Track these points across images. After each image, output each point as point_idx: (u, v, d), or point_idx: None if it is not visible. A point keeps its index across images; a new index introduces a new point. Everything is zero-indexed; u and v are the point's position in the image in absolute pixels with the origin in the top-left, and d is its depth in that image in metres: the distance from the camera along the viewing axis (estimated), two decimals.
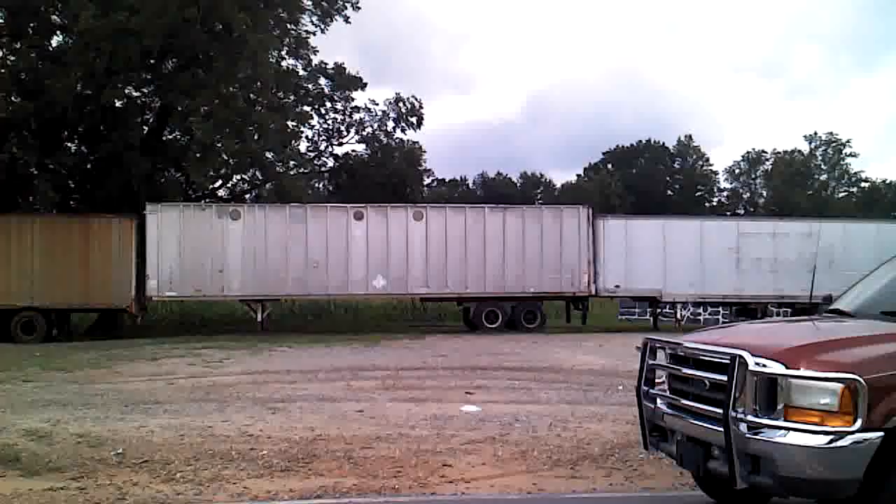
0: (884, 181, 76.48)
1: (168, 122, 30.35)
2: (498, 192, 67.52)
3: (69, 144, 29.35)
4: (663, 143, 79.47)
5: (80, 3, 25.10)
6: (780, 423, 4.68)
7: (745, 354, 4.91)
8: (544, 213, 26.78)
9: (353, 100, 36.84)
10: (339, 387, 12.58)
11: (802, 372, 4.69)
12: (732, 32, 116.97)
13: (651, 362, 5.97)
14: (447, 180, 71.68)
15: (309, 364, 15.85)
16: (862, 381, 4.47)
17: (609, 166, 79.08)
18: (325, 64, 34.98)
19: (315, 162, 38.60)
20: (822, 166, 78.15)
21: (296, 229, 24.46)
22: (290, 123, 32.73)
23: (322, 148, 38.22)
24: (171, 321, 30.26)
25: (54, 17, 27.75)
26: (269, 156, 32.07)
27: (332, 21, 32.38)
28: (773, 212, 61.85)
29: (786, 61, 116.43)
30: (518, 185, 77.59)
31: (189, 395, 11.75)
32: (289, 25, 31.76)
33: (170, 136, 31.34)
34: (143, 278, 23.56)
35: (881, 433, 4.49)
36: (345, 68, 35.53)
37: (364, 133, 37.83)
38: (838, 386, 4.52)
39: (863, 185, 76.64)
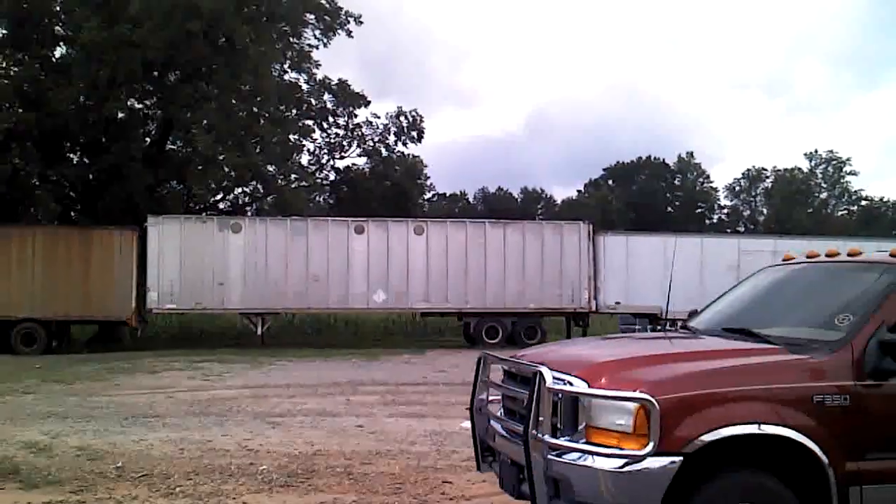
0: (881, 199, 76.83)
1: (170, 134, 30.41)
2: (498, 207, 67.58)
3: (71, 156, 29.41)
4: (663, 160, 79.63)
5: (84, 15, 25.26)
6: (581, 444, 4.40)
7: (545, 370, 4.65)
8: (545, 228, 26.80)
9: (355, 116, 36.98)
10: (339, 401, 12.57)
11: (599, 391, 4.45)
12: (735, 49, 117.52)
13: (484, 378, 5.70)
14: (447, 195, 71.83)
15: (309, 378, 15.84)
16: (654, 401, 4.18)
17: (609, 182, 79.24)
18: (329, 80, 35.11)
19: (316, 175, 38.66)
20: (823, 184, 78.29)
21: (297, 243, 24.46)
22: (291, 137, 32.84)
23: (323, 161, 38.33)
24: (171, 334, 30.22)
25: (58, 28, 27.89)
26: (271, 169, 32.15)
27: (334, 35, 32.55)
28: (773, 230, 61.86)
29: (788, 79, 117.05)
30: (518, 200, 77.67)
31: (189, 409, 11.73)
32: (291, 39, 31.94)
33: (172, 148, 31.39)
34: (144, 290, 23.55)
35: (680, 457, 4.22)
36: (348, 85, 35.65)
37: (365, 146, 37.93)
38: (633, 406, 4.25)
39: (862, 203, 76.78)
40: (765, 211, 79.82)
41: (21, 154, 26.34)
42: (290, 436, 9.58)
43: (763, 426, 4.37)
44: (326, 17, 32.00)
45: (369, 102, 36.40)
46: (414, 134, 38.18)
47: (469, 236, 25.34)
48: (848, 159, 76.86)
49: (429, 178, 54.15)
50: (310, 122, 35.12)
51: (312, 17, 31.76)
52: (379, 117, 37.98)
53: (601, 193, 74.29)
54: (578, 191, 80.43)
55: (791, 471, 4.51)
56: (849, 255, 5.71)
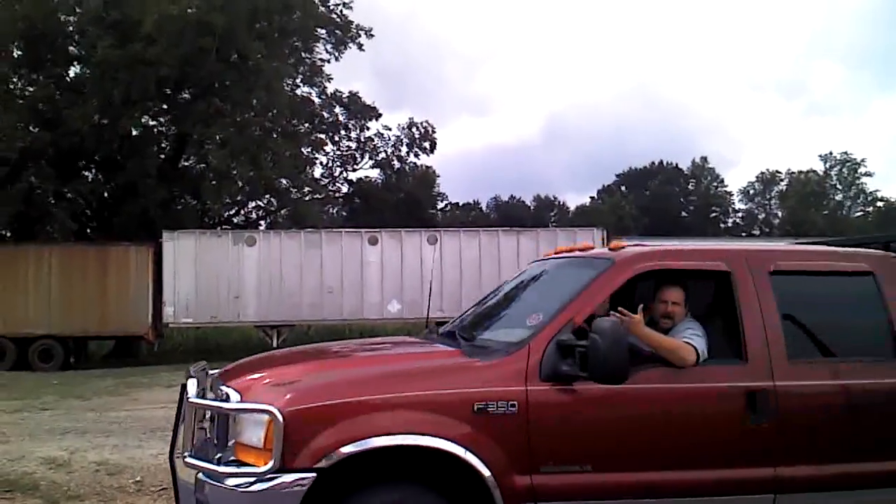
0: None
1: (184, 150, 30.62)
2: (511, 215, 67.53)
3: (86, 173, 29.63)
4: (676, 165, 79.50)
5: (97, 34, 25.47)
6: (226, 465, 4.09)
7: (190, 383, 4.44)
8: (559, 235, 26.68)
9: (367, 129, 37.12)
10: None
11: (233, 404, 4.18)
12: (750, 52, 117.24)
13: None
14: (461, 204, 71.91)
15: None
16: (277, 413, 3.90)
17: (622, 188, 79.10)
18: (341, 93, 35.29)
19: (329, 188, 38.83)
20: (838, 186, 77.83)
21: (311, 255, 24.54)
22: (304, 150, 32.99)
23: (336, 174, 38.51)
24: (187, 348, 30.33)
25: (71, 48, 28.13)
26: (284, 182, 32.29)
27: (346, 49, 32.69)
28: (789, 232, 61.50)
29: (804, 80, 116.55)
30: (531, 208, 77.61)
31: None
32: (303, 54, 32.11)
33: (186, 164, 31.61)
34: (160, 305, 23.69)
35: (312, 474, 3.91)
36: (359, 97, 35.82)
37: (378, 158, 38.08)
38: (265, 418, 3.95)
39: (878, 204, 76.24)
40: (780, 214, 79.43)
41: (37, 172, 26.56)
42: None
43: (408, 437, 4.05)
44: (338, 32, 32.15)
45: (380, 115, 36.63)
46: (426, 145, 38.37)
47: (482, 245, 25.32)
48: (863, 160, 76.38)
49: (439, 186, 54.40)
50: (322, 136, 35.30)
51: (324, 31, 31.93)
52: (391, 129, 38.17)
53: (615, 199, 74.13)
54: (591, 197, 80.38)
55: (461, 486, 4.14)
56: (580, 250, 5.52)
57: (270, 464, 3.89)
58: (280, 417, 3.91)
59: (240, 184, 29.53)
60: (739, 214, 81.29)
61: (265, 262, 24.39)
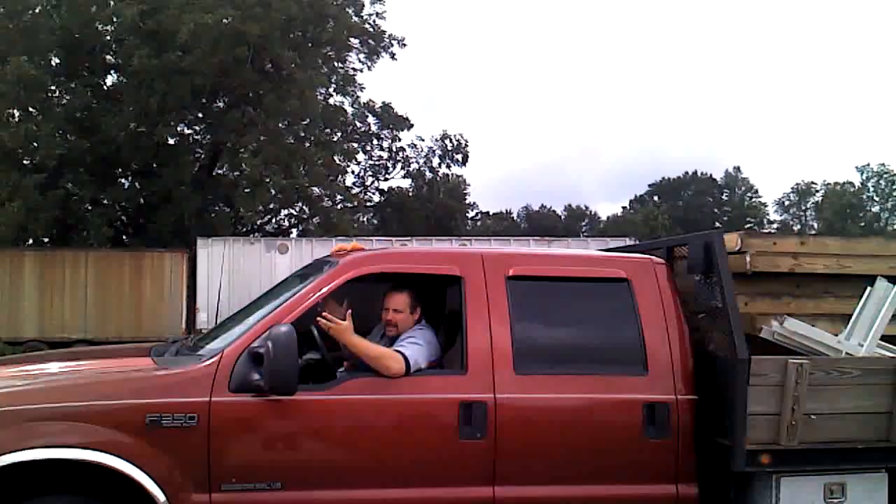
0: None
1: (219, 158, 30.88)
2: (542, 224, 67.26)
3: (122, 180, 30.01)
4: (710, 175, 78.85)
5: (134, 44, 25.82)
6: None
7: None
8: (590, 245, 26.57)
9: (399, 139, 37.14)
10: None
11: None
12: (782, 61, 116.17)
13: None
14: (492, 213, 71.79)
15: None
16: None
17: (655, 198, 78.53)
18: (373, 102, 35.36)
19: (361, 196, 38.90)
20: (875, 198, 76.77)
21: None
22: (336, 159, 33.11)
23: (368, 183, 38.58)
24: None
25: (108, 56, 28.54)
26: (316, 191, 32.42)
27: (378, 58, 32.83)
28: None
29: (838, 89, 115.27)
30: (562, 217, 77.27)
31: None
32: (336, 63, 32.28)
33: (220, 172, 31.88)
34: (194, 311, 23.84)
35: None
36: (392, 108, 35.87)
37: (410, 168, 38.10)
38: None
39: None
40: (816, 225, 78.45)
41: (74, 179, 26.93)
42: None
43: (54, 451, 3.73)
44: (371, 41, 32.30)
45: (412, 125, 36.60)
46: (458, 157, 38.26)
47: None
48: None
49: (468, 195, 54.38)
50: (354, 145, 35.39)
51: (357, 41, 32.08)
52: (424, 140, 38.15)
53: (647, 209, 73.61)
54: (623, 207, 79.91)
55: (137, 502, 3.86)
56: (351, 250, 5.04)
57: None
58: None
59: (273, 192, 29.71)
60: (774, 225, 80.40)
61: (297, 269, 24.42)
